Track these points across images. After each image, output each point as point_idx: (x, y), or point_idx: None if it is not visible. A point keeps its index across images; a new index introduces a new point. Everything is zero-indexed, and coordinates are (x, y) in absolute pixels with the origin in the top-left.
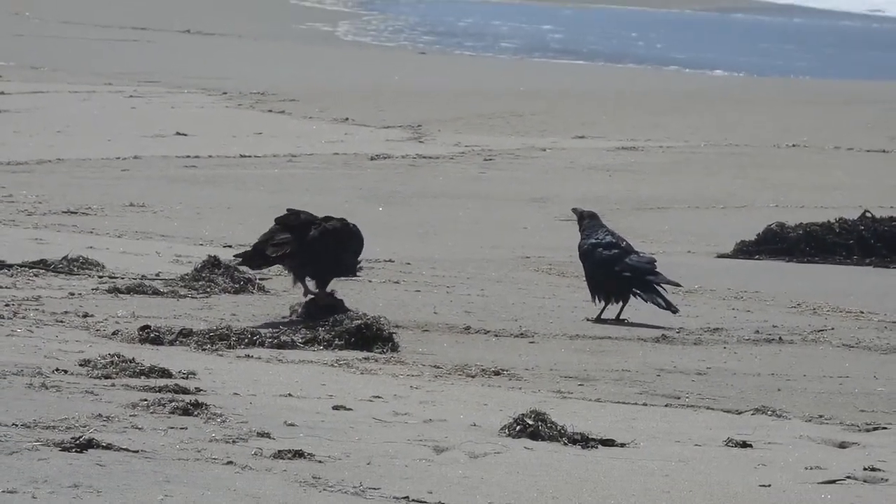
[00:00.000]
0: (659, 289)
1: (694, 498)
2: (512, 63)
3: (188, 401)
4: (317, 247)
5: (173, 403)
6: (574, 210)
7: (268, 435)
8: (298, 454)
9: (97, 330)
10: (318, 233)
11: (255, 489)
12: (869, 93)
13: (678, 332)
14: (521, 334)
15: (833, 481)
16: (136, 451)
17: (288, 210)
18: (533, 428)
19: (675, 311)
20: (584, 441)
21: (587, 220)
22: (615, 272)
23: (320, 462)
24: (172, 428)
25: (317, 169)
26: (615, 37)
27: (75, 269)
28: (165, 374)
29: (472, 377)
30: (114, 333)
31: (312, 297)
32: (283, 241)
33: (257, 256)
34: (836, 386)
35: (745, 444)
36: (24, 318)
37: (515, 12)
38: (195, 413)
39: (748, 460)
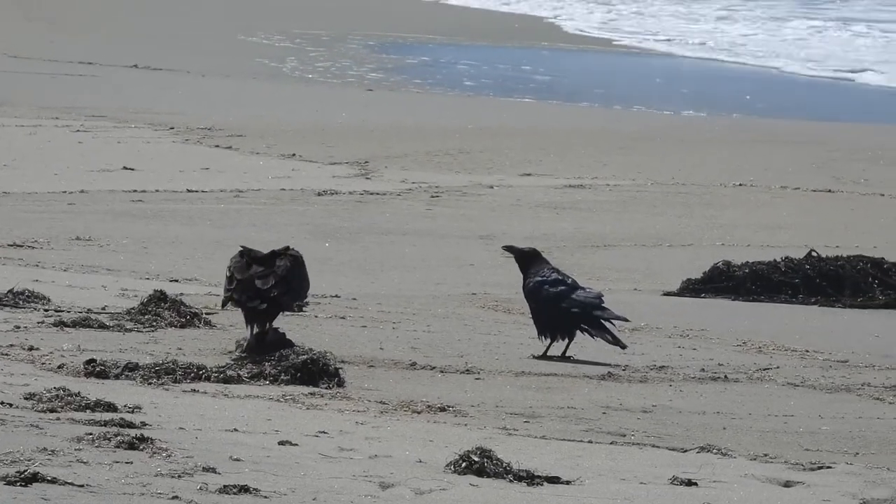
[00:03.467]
0: (607, 325)
1: None
2: (460, 100)
3: (134, 435)
4: (291, 274)
5: (119, 437)
6: (510, 249)
7: (213, 470)
8: (244, 489)
9: (42, 363)
10: (290, 261)
11: None
12: (815, 133)
13: (624, 370)
14: (467, 370)
15: None
16: (82, 486)
17: (241, 247)
18: (478, 464)
19: (623, 346)
20: (530, 478)
21: (533, 258)
22: (562, 308)
23: (266, 497)
24: (118, 462)
25: (264, 204)
26: (569, 76)
27: (21, 302)
28: (111, 408)
29: (418, 413)
30: (59, 367)
31: (258, 332)
32: (267, 273)
33: (247, 289)
34: (781, 425)
35: (690, 483)
36: None
37: (474, 52)
38: (140, 447)
39: (693, 499)
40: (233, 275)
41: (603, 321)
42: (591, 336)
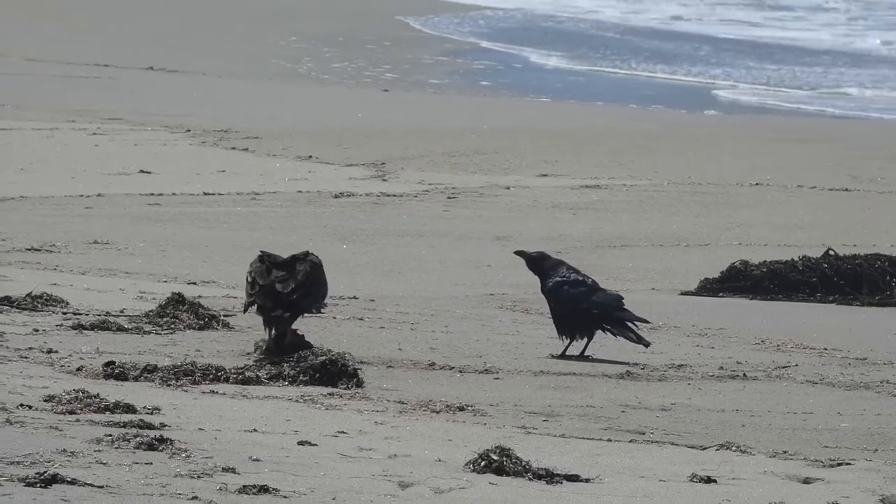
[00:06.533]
0: (628, 324)
1: None
2: (475, 101)
3: (153, 436)
4: (311, 279)
5: (138, 439)
6: (522, 254)
7: (233, 470)
8: (263, 489)
9: (61, 366)
10: (309, 266)
11: None
12: (831, 131)
13: (642, 369)
14: (486, 370)
15: None
16: (101, 487)
17: (261, 252)
18: (498, 463)
19: (646, 344)
20: (549, 476)
21: (544, 261)
22: (583, 309)
23: (285, 497)
24: (137, 463)
25: (280, 207)
26: (585, 76)
27: (39, 305)
28: (130, 409)
29: (437, 413)
30: (78, 369)
31: (277, 334)
32: (287, 277)
33: (269, 294)
34: (800, 422)
35: (709, 480)
36: None
37: (491, 54)
38: (160, 448)
39: (712, 496)
40: (254, 280)
41: (624, 321)
42: (614, 335)
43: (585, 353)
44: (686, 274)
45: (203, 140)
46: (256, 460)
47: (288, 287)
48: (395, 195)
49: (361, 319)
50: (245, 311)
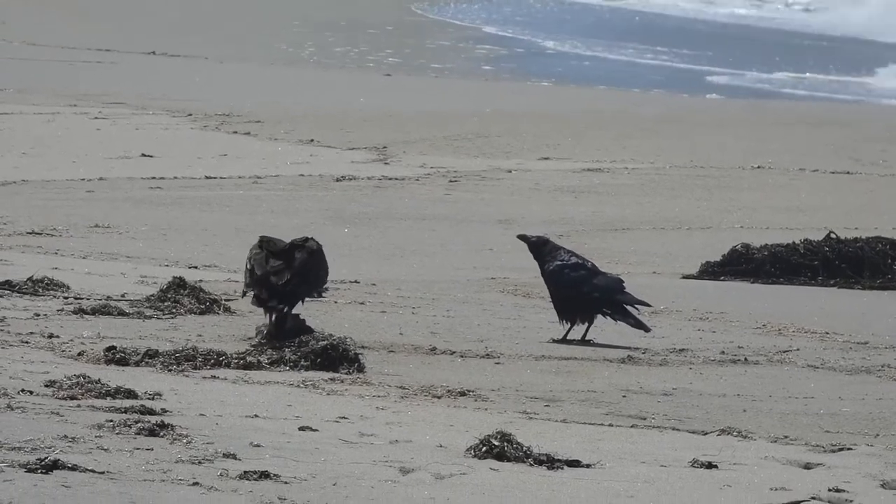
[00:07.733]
0: (629, 308)
1: None
2: (477, 85)
3: (154, 422)
4: (308, 267)
5: (139, 424)
6: (524, 238)
7: (234, 456)
8: (264, 475)
9: (62, 351)
10: (307, 254)
11: None
12: (833, 115)
13: (644, 353)
14: (487, 355)
15: (798, 502)
16: (102, 473)
17: (261, 238)
18: (499, 449)
19: (647, 330)
20: (550, 462)
21: (544, 245)
22: (584, 293)
23: (286, 483)
24: (138, 449)
25: (282, 190)
26: (587, 60)
27: (40, 290)
28: (131, 394)
29: (438, 398)
30: (79, 354)
31: (277, 319)
32: (283, 268)
33: (264, 285)
34: (801, 407)
35: (710, 465)
36: None
37: (491, 38)
38: (161, 434)
39: (714, 481)
40: (252, 269)
41: (624, 305)
42: (614, 320)
43: (586, 338)
44: (688, 257)
45: (205, 124)
46: (257, 446)
47: (282, 278)
48: (396, 179)
49: (363, 304)
50: (243, 296)
